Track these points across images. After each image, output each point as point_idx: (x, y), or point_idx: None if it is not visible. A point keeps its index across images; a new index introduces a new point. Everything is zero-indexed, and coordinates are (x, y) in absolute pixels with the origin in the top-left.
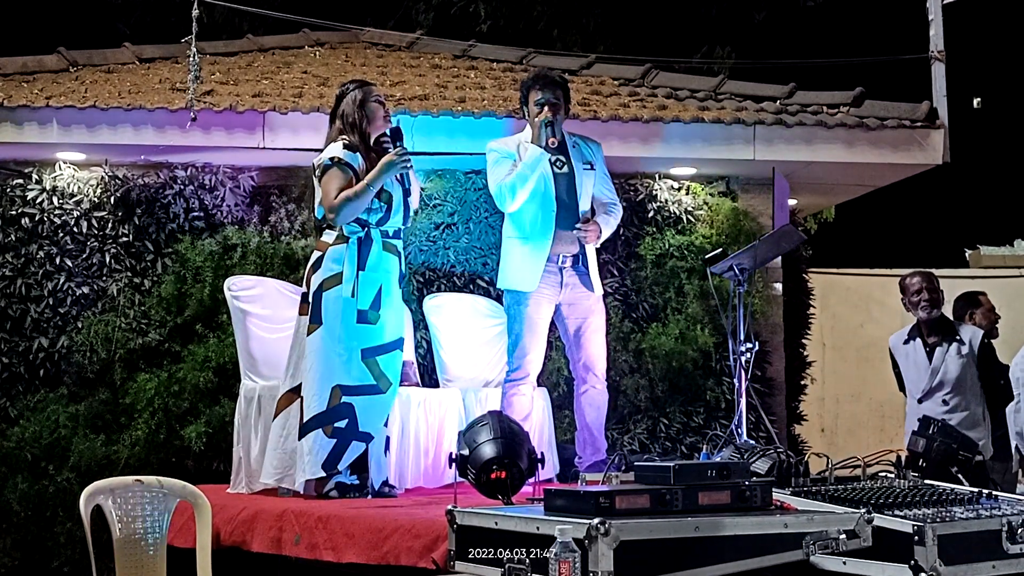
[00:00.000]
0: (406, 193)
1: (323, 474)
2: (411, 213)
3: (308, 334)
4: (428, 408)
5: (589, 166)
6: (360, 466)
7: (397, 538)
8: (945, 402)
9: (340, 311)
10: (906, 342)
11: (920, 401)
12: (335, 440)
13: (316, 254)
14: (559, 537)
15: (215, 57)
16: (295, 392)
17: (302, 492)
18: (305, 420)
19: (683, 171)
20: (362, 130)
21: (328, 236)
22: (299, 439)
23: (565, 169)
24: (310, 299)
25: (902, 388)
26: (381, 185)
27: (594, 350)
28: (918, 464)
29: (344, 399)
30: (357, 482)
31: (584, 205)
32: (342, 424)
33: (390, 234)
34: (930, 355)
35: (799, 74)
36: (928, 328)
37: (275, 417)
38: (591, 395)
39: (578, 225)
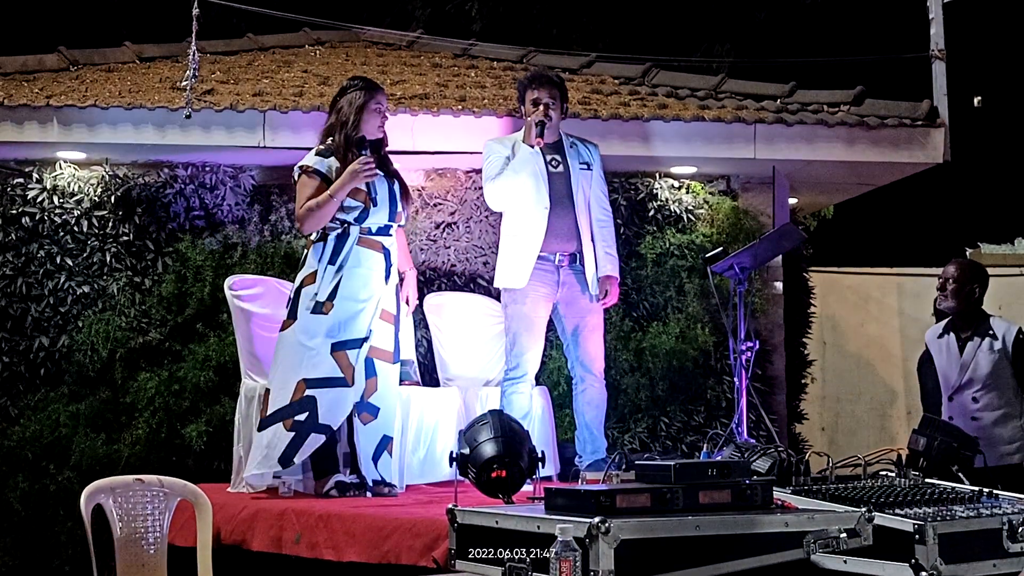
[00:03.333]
0: (402, 190)
1: (279, 468)
2: (398, 210)
3: (283, 329)
4: (428, 407)
5: (586, 166)
6: (325, 458)
7: (398, 537)
8: (976, 399)
9: (310, 306)
10: (940, 336)
11: (950, 398)
12: (293, 433)
13: (305, 252)
14: (560, 536)
15: (215, 56)
16: None
17: (253, 486)
18: (268, 413)
19: (683, 170)
20: (348, 134)
21: (314, 235)
22: (258, 431)
23: (560, 168)
24: (292, 295)
25: (924, 392)
26: (345, 194)
27: (591, 349)
28: (919, 463)
29: (308, 392)
30: (357, 480)
31: (579, 205)
32: (302, 417)
33: (372, 231)
34: (962, 349)
35: (799, 73)
36: (961, 321)
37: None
38: (589, 394)
39: (600, 301)
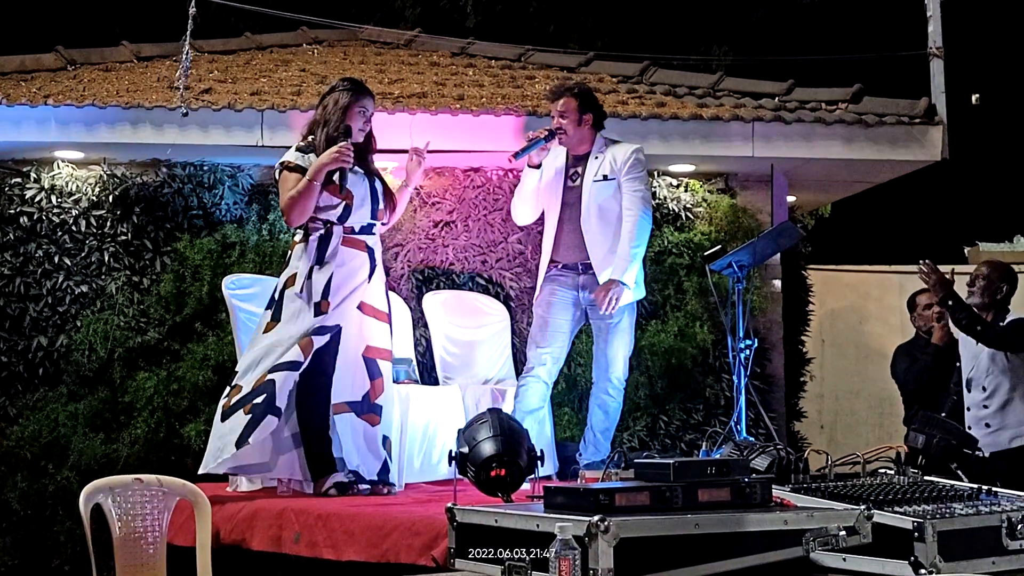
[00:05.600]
0: (384, 190)
1: (234, 450)
2: (380, 208)
3: (265, 331)
4: (427, 405)
5: (603, 179)
6: (323, 458)
7: (397, 536)
8: (984, 388)
9: (296, 308)
10: None
11: (968, 389)
12: (250, 416)
13: (289, 253)
14: (559, 535)
15: (213, 55)
16: None
17: (199, 472)
18: (231, 404)
19: (682, 168)
20: (329, 134)
21: (297, 235)
22: (221, 421)
23: (577, 182)
24: (276, 296)
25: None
26: (323, 175)
27: (604, 355)
28: (918, 460)
29: (268, 376)
30: (354, 479)
31: (588, 218)
32: (259, 400)
33: (355, 230)
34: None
35: (797, 71)
36: (984, 316)
37: None
38: (601, 399)
39: (601, 311)
